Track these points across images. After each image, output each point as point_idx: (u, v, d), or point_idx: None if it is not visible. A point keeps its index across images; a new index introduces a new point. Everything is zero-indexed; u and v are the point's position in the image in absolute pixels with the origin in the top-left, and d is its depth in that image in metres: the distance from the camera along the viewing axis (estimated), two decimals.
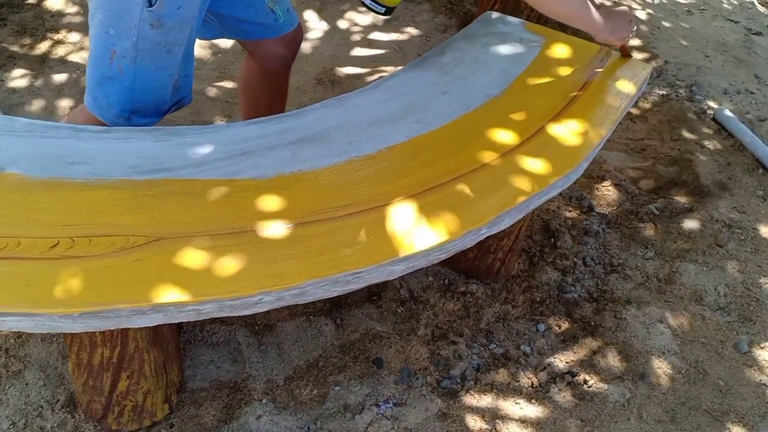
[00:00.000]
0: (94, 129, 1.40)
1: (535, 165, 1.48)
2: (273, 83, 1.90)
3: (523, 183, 1.44)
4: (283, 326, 1.82)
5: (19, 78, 2.52)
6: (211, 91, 2.64)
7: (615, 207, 2.29)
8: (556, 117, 1.62)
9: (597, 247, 2.14)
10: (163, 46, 1.42)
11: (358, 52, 2.91)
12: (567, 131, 1.58)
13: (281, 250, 1.23)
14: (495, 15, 1.95)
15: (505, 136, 1.54)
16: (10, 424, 1.53)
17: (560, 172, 1.49)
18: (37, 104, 2.42)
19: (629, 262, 2.08)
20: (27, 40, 2.71)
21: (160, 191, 1.30)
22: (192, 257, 1.19)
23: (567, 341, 1.84)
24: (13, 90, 2.47)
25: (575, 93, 1.70)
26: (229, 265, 1.19)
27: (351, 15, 3.17)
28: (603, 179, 2.41)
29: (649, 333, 1.86)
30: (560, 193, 2.32)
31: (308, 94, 2.61)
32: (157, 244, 1.20)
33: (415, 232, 1.29)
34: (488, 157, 1.48)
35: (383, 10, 1.55)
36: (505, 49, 1.81)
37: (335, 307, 1.88)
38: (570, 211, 2.26)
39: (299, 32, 1.83)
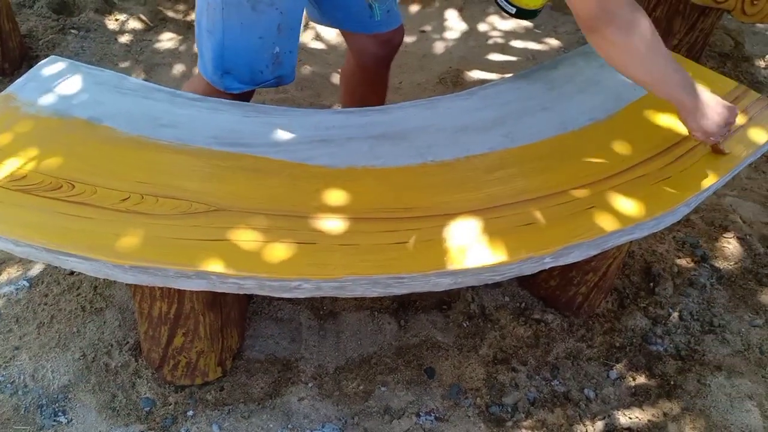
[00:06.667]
0: (189, 96, 1.47)
1: (624, 201, 1.37)
2: (368, 78, 1.90)
3: (604, 218, 1.33)
4: (347, 316, 1.83)
5: (166, 41, 2.73)
6: (336, 78, 2.69)
7: (732, 262, 2.07)
8: (663, 153, 1.48)
9: (699, 302, 1.94)
10: (247, 1, 1.45)
11: (490, 56, 2.85)
12: (671, 170, 1.44)
13: (330, 241, 1.23)
14: None
15: (597, 165, 1.43)
16: (81, 356, 1.67)
17: (651, 213, 1.36)
18: (177, 68, 2.61)
19: (732, 326, 1.88)
20: (181, 6, 2.91)
21: (232, 164, 1.34)
22: (244, 232, 1.22)
23: (638, 396, 1.70)
24: (158, 51, 2.67)
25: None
26: (277, 246, 1.21)
27: (492, 19, 3.11)
28: (726, 229, 2.18)
29: (733, 407, 1.66)
30: (672, 237, 2.14)
31: (428, 92, 2.60)
32: (215, 214, 1.25)
33: (471, 248, 1.24)
34: (572, 184, 1.39)
35: (513, 11, 1.49)
36: None
37: (402, 307, 1.86)
38: (679, 258, 2.07)
39: (398, 35, 1.81)
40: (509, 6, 1.50)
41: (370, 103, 1.92)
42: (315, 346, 1.75)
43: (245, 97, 1.65)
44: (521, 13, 1.51)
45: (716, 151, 1.49)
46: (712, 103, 1.36)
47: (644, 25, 1.28)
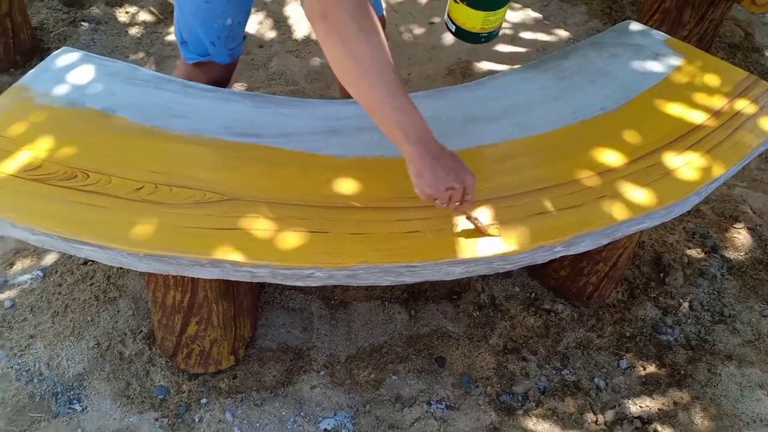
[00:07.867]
0: (201, 87, 1.48)
1: (635, 190, 1.37)
2: None
3: (614, 207, 1.33)
4: (358, 306, 1.84)
5: None
6: None
7: (742, 253, 2.07)
8: (673, 143, 1.48)
9: (710, 292, 1.94)
10: None
11: (500, 48, 2.84)
12: (681, 160, 1.44)
13: (342, 229, 1.24)
14: (635, 25, 1.82)
15: (608, 155, 1.44)
16: (95, 344, 1.69)
17: (662, 202, 1.36)
18: None
19: (742, 316, 1.88)
20: None
21: (244, 154, 1.35)
22: (257, 221, 1.23)
23: (648, 385, 1.70)
24: (169, 43, 2.68)
25: (704, 121, 1.54)
26: (290, 235, 1.22)
27: None
28: (736, 220, 2.18)
29: (744, 396, 1.67)
30: (683, 227, 2.14)
31: (436, 84, 2.59)
32: (229, 203, 1.26)
33: (482, 238, 1.25)
34: (583, 173, 1.39)
35: (453, 29, 1.44)
36: (635, 63, 1.68)
37: (413, 297, 1.87)
38: (689, 248, 2.07)
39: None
40: (450, 23, 1.41)
41: None
42: (326, 335, 1.77)
43: (219, 76, 1.67)
44: (461, 34, 1.41)
45: (478, 229, 1.25)
46: (439, 162, 1.14)
47: (365, 42, 1.10)
